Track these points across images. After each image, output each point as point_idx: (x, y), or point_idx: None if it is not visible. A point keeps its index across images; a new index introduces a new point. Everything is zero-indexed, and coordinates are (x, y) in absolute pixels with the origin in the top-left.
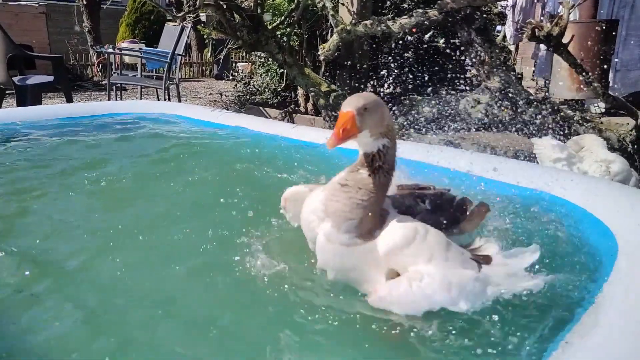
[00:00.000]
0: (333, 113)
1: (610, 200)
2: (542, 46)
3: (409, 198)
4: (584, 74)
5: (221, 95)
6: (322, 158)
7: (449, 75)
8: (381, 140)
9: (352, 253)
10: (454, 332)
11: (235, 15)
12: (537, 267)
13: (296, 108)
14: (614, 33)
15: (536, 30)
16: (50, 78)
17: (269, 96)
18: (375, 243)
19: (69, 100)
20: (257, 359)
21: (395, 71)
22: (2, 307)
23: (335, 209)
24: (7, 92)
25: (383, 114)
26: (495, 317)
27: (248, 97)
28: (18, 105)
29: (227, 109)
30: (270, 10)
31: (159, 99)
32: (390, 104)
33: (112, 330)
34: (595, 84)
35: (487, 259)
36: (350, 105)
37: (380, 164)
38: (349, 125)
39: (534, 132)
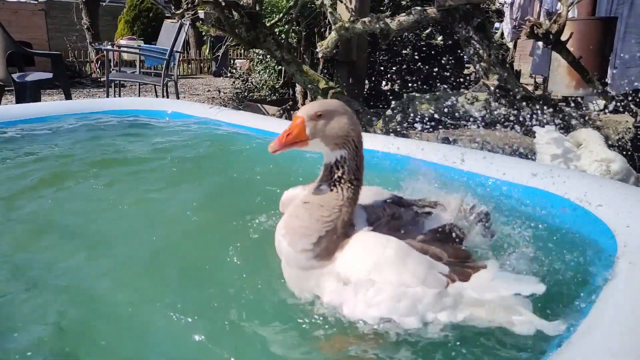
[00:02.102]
0: None
1: (611, 199)
2: (538, 44)
3: (389, 208)
4: (582, 71)
5: (219, 92)
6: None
7: (447, 73)
8: (338, 151)
9: (311, 276)
10: (454, 330)
11: (233, 12)
12: (536, 268)
13: (294, 105)
14: (612, 30)
15: (535, 27)
16: (49, 75)
17: (267, 93)
18: (334, 266)
19: (68, 97)
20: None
21: (394, 68)
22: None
23: (293, 226)
24: (6, 89)
25: (341, 123)
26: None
27: (246, 94)
28: (17, 102)
29: (225, 106)
30: (269, 8)
31: (157, 96)
32: (390, 100)
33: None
34: (594, 82)
35: (464, 275)
36: (302, 111)
37: (339, 175)
38: (295, 131)
39: (531, 129)
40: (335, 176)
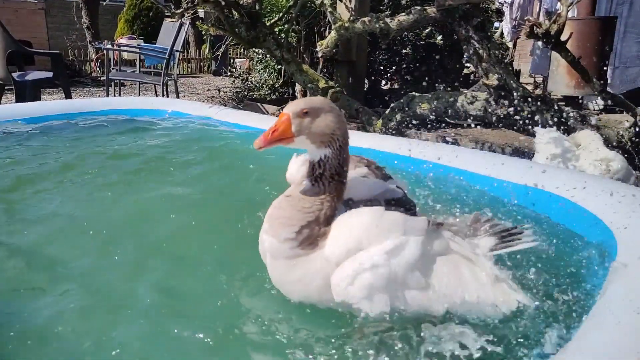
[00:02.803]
0: None
1: (610, 198)
2: (538, 43)
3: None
4: (582, 71)
5: (219, 91)
6: None
7: (446, 72)
8: (323, 149)
9: (296, 266)
10: (455, 329)
11: (233, 11)
12: (534, 269)
13: None
14: (612, 30)
15: (534, 27)
16: (49, 74)
17: (266, 92)
18: (318, 253)
19: (68, 96)
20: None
21: (393, 68)
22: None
23: (275, 217)
24: (6, 88)
25: (327, 121)
26: (495, 320)
27: (246, 93)
28: (17, 101)
29: (225, 105)
30: (269, 7)
31: (157, 95)
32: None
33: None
34: (594, 81)
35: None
36: (289, 107)
37: (320, 173)
38: (280, 128)
39: (530, 128)
40: (317, 173)
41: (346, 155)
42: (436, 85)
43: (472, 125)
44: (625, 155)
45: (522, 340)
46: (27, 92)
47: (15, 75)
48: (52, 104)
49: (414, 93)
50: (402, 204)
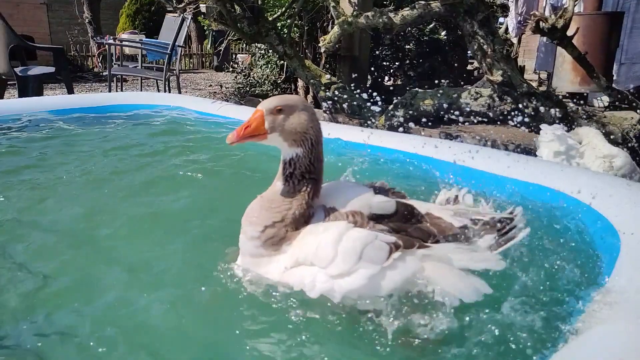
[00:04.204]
0: (333, 105)
1: (613, 195)
2: (543, 39)
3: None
4: (587, 67)
5: (221, 86)
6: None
7: (450, 68)
8: (295, 148)
9: (260, 266)
10: (456, 328)
11: (235, 6)
12: (535, 268)
13: None
14: (619, 25)
15: (540, 22)
16: (52, 69)
17: (269, 88)
18: (281, 256)
19: (70, 91)
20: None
21: (396, 63)
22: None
23: (246, 215)
24: (8, 82)
25: (301, 119)
26: (498, 316)
27: (248, 88)
28: (20, 96)
29: (227, 101)
30: (271, 2)
31: (159, 91)
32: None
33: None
34: (599, 77)
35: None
36: (263, 104)
37: (291, 172)
38: (253, 124)
39: (534, 125)
40: (287, 172)
41: (318, 154)
42: (439, 81)
43: (475, 121)
44: (629, 150)
45: (523, 339)
46: (30, 87)
47: (17, 70)
48: (54, 98)
49: (417, 89)
50: (392, 215)
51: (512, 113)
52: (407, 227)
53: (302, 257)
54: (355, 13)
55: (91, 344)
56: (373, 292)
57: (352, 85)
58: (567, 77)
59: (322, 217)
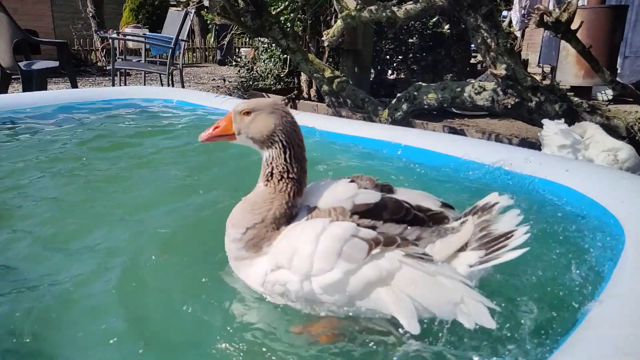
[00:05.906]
0: (336, 99)
1: (618, 189)
2: (546, 32)
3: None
4: (591, 60)
5: (224, 80)
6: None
7: (453, 62)
8: (267, 150)
9: (242, 268)
10: (455, 327)
11: (238, 0)
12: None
13: (299, 94)
14: (623, 19)
15: (544, 16)
16: (56, 63)
17: (272, 82)
18: (262, 259)
19: (74, 85)
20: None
21: (400, 57)
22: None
23: (230, 219)
24: (13, 77)
25: (266, 122)
26: (496, 316)
27: (251, 83)
28: (24, 90)
29: (231, 95)
30: None
31: (162, 85)
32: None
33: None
34: (603, 71)
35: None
36: (236, 106)
37: (269, 172)
38: (222, 125)
39: (538, 119)
40: (266, 172)
41: (296, 154)
42: (443, 75)
43: (480, 115)
44: (633, 144)
45: (523, 338)
46: (34, 81)
47: (22, 64)
48: (58, 92)
49: (420, 83)
50: (376, 209)
51: (516, 107)
52: (390, 222)
53: (281, 261)
54: (358, 7)
55: (83, 345)
56: (349, 287)
57: (355, 79)
58: (571, 70)
59: (305, 216)
